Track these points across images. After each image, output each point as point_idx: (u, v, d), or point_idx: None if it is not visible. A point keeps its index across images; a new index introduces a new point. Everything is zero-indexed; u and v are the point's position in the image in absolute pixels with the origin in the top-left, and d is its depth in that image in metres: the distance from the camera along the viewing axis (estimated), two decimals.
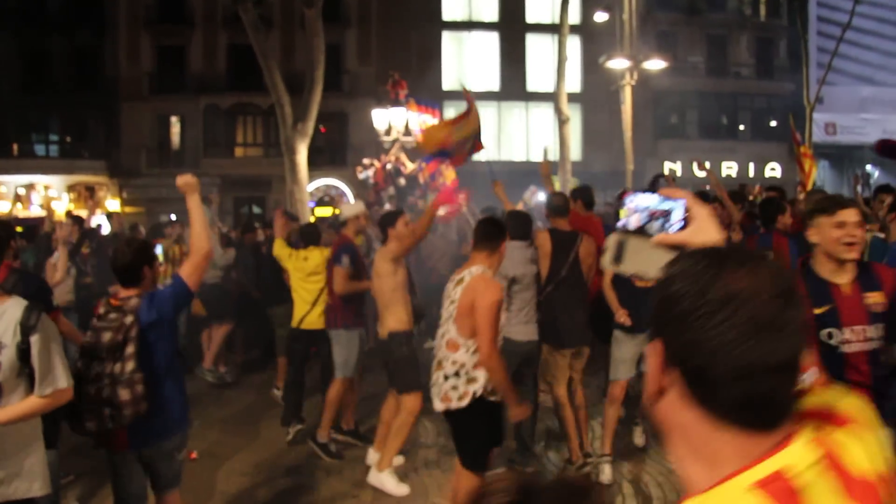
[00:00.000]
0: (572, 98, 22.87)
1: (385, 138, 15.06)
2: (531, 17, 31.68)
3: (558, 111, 19.41)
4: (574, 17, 26.98)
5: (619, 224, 1.55)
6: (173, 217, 13.39)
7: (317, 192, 27.11)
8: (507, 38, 31.37)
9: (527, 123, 31.46)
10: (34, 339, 2.94)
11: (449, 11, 31.57)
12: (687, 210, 1.47)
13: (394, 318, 5.67)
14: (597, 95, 28.03)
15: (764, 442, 0.99)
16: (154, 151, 30.00)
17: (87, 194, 28.20)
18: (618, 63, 16.49)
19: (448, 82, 31.19)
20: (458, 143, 9.30)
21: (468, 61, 31.58)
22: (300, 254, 6.99)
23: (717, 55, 32.34)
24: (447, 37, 31.53)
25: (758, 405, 0.98)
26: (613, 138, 23.80)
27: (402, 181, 14.01)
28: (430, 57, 30.62)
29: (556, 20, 28.24)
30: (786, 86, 31.80)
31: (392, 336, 5.68)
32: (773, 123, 32.84)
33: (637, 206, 1.54)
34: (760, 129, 32.86)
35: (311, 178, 17.93)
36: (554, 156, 28.13)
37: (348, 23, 30.33)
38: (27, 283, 4.41)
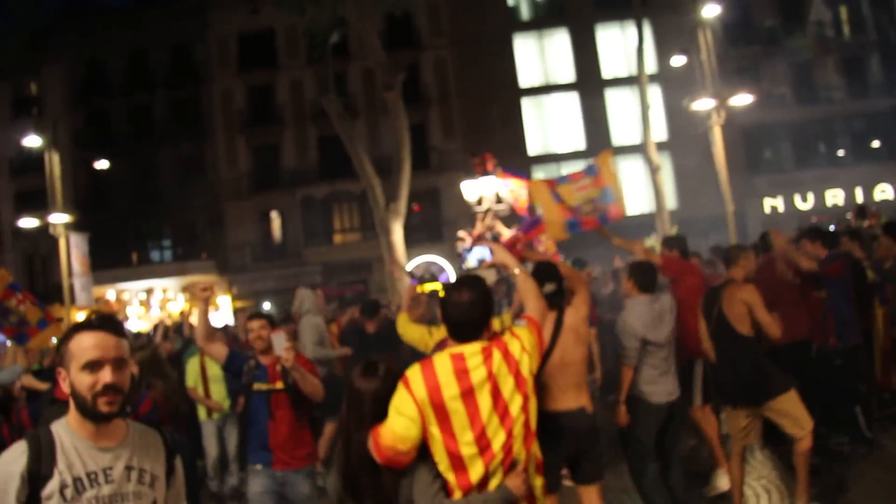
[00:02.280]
0: (661, 146, 22.69)
1: (478, 209, 15.24)
2: (607, 73, 31.75)
3: (648, 160, 19.22)
4: (651, 65, 26.92)
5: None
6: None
7: (417, 269, 27.54)
8: (587, 96, 31.47)
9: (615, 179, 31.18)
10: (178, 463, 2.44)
11: (526, 78, 32.05)
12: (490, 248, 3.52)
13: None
14: (685, 141, 27.66)
15: (464, 344, 2.82)
16: (258, 246, 31.37)
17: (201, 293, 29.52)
18: (702, 104, 16.29)
19: (533, 147, 31.47)
20: (579, 206, 8.91)
21: (550, 124, 31.82)
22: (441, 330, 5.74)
23: (804, 82, 31.36)
24: (527, 102, 31.92)
25: (456, 333, 2.87)
26: (708, 182, 23.32)
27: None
28: (513, 124, 31.04)
29: (633, 72, 28.32)
30: (884, 102, 30.53)
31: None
32: (876, 144, 31.44)
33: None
34: (863, 152, 31.46)
35: (409, 256, 18.27)
36: (650, 206, 27.83)
37: (430, 102, 31.24)
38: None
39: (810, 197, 30.30)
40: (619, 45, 31.53)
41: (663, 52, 27.88)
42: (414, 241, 24.24)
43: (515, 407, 2.75)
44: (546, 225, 9.60)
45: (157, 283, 30.41)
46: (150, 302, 30.01)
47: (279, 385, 4.79)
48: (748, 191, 29.06)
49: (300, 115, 31.62)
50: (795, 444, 5.18)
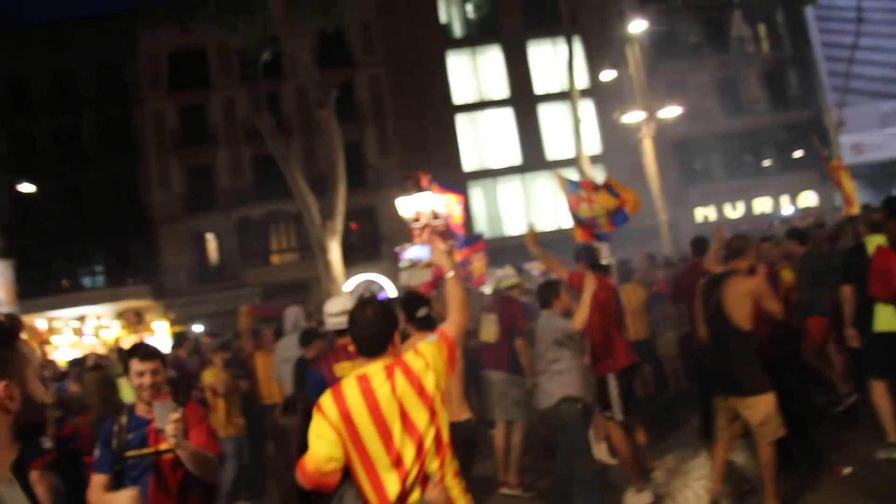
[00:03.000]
0: (594, 160, 23.07)
1: (414, 225, 15.24)
2: (540, 88, 32.23)
3: (580, 173, 19.55)
4: (582, 80, 27.49)
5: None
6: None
7: (357, 287, 27.37)
8: (521, 112, 31.89)
9: (553, 191, 31.66)
10: None
11: (460, 94, 32.31)
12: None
13: None
14: (617, 154, 28.24)
15: (369, 361, 2.94)
16: (194, 269, 30.74)
17: (136, 319, 28.81)
18: (633, 116, 16.69)
19: (468, 163, 31.69)
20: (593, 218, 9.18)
21: (485, 140, 32.13)
22: None
23: (730, 95, 32.45)
24: (462, 119, 32.17)
25: (361, 349, 3.00)
26: (641, 194, 23.76)
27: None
28: (448, 140, 31.25)
29: (565, 87, 28.83)
30: (803, 114, 31.77)
31: None
32: (799, 153, 32.64)
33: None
34: (786, 162, 32.65)
35: (349, 274, 18.15)
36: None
37: (364, 119, 31.22)
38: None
39: (740, 206, 31.26)
40: (550, 60, 32.07)
41: (594, 67, 28.49)
42: (352, 260, 24.11)
43: (422, 422, 2.83)
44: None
45: (90, 310, 29.44)
46: (83, 330, 29.03)
47: (164, 446, 3.64)
48: (681, 201, 29.80)
49: (234, 134, 31.21)
50: (759, 450, 5.31)
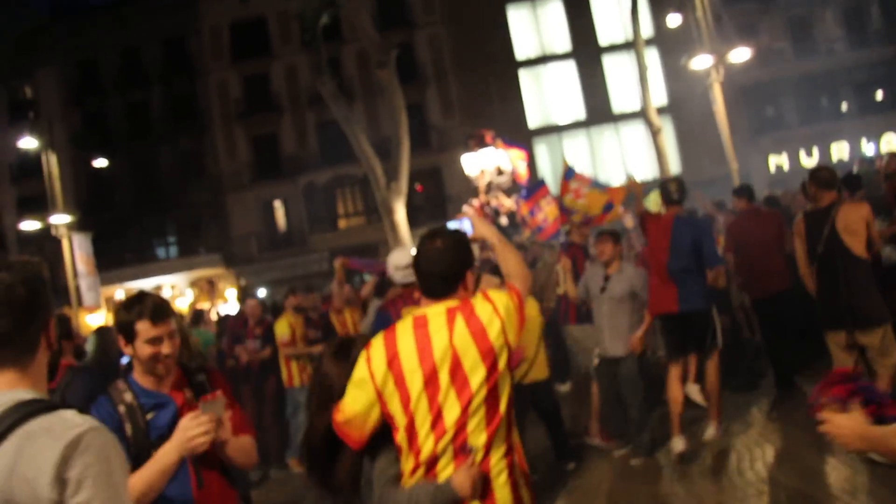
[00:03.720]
0: (661, 111, 22.43)
1: (479, 183, 15.11)
2: (603, 40, 31.41)
3: (649, 124, 18.99)
4: (647, 29, 26.59)
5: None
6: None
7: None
8: (584, 64, 31.16)
9: (620, 145, 30.97)
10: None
11: (521, 50, 31.74)
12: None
13: None
14: (686, 103, 27.40)
15: (432, 303, 2.56)
16: (263, 236, 31.32)
17: (209, 287, 29.60)
18: (701, 61, 15.98)
19: (533, 120, 31.21)
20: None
21: (549, 95, 31.55)
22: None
23: (803, 36, 30.97)
24: (524, 74, 31.63)
25: (425, 287, 2.59)
26: (710, 143, 23.07)
27: (505, 220, 13.94)
28: (511, 97, 30.78)
29: (629, 37, 27.99)
30: (886, 51, 30.10)
31: None
32: (880, 94, 31.07)
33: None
34: (867, 104, 31.11)
35: (414, 235, 18.17)
36: (653, 171, 27.60)
37: (426, 80, 30.99)
38: (85, 381, 4.00)
39: (815, 152, 30.00)
40: (613, 10, 31.13)
41: (658, 14, 27.49)
42: (418, 221, 24.13)
43: (476, 379, 2.40)
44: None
45: (165, 280, 30.40)
46: None
47: None
48: (752, 150, 28.76)
49: (297, 101, 31.44)
50: (880, 381, 5.14)
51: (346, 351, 2.66)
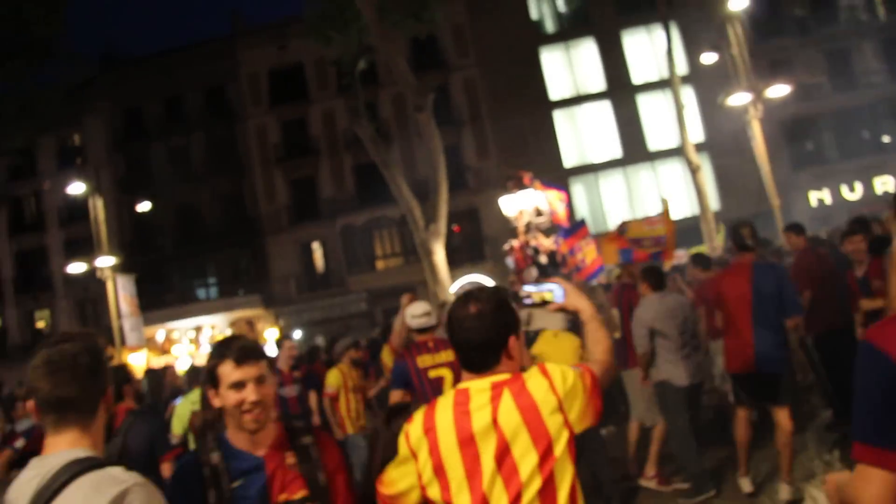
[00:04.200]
0: (698, 147, 22.29)
1: (517, 224, 15.11)
2: (637, 78, 31.46)
3: (687, 162, 18.89)
4: (682, 66, 26.61)
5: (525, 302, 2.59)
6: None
7: (461, 290, 27.45)
8: (619, 104, 31.20)
9: (657, 183, 30.82)
10: None
11: (556, 90, 31.91)
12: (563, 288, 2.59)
13: None
14: (723, 140, 27.27)
15: (475, 377, 2.22)
16: (302, 278, 31.61)
17: (248, 327, 29.87)
18: (739, 98, 15.95)
19: (569, 159, 31.24)
20: (640, 239, 9.75)
21: (584, 134, 31.60)
22: None
23: (842, 69, 30.66)
24: (559, 115, 31.75)
25: (463, 360, 2.26)
26: (749, 179, 22.90)
27: (544, 259, 13.89)
28: (546, 137, 30.90)
29: (663, 75, 28.05)
30: None
31: None
32: None
33: (527, 293, 2.60)
34: None
35: (453, 277, 18.20)
36: (692, 210, 27.35)
37: (461, 122, 31.29)
38: (144, 424, 4.35)
39: (858, 187, 29.53)
40: (646, 49, 31.25)
41: (692, 52, 27.49)
42: (456, 262, 24.18)
43: (527, 467, 2.07)
44: (602, 250, 10.22)
45: (205, 321, 30.79)
46: (199, 339, 30.40)
47: (299, 495, 2.39)
48: (792, 185, 28.41)
49: (334, 145, 31.95)
50: None
51: (398, 413, 2.61)
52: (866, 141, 30.91)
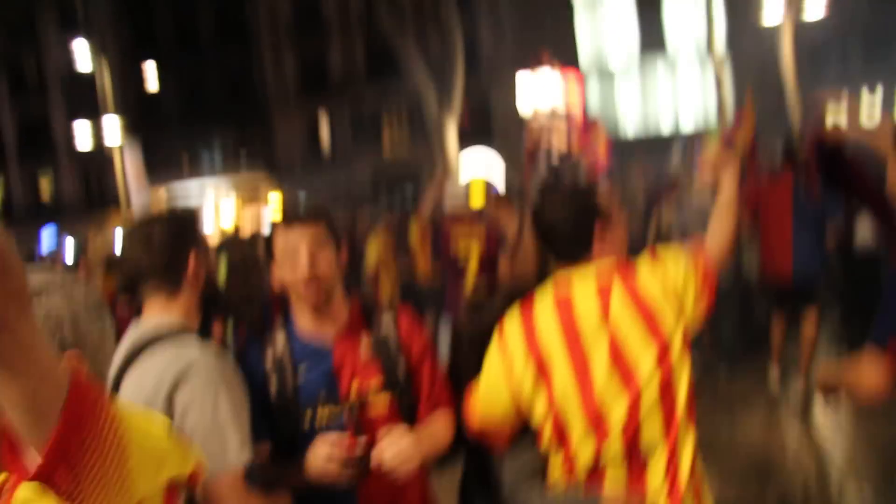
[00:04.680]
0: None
1: (532, 125, 14.82)
2: None
3: (711, 57, 18.25)
4: None
5: None
6: None
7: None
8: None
9: (674, 89, 30.15)
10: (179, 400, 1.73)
11: None
12: None
13: None
14: (744, 48, 26.50)
15: (571, 266, 2.01)
16: (307, 152, 31.50)
17: (252, 191, 30.01)
18: (773, 14, 15.31)
19: (585, 51, 30.47)
20: None
21: (604, 26, 30.68)
22: None
23: None
24: (580, 5, 30.78)
25: (554, 251, 2.06)
26: (767, 94, 22.36)
27: (556, 160, 13.70)
28: (564, 27, 30.01)
29: None
30: None
31: None
32: None
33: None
34: None
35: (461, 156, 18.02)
36: (705, 118, 26.87)
37: (479, 6, 30.31)
38: None
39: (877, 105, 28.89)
40: None
41: None
42: (464, 143, 23.88)
43: (645, 367, 1.85)
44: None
45: (210, 182, 30.93)
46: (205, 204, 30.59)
47: (373, 383, 2.07)
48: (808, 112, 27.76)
49: (347, 20, 31.02)
50: None
51: (479, 312, 2.25)
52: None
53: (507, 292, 2.22)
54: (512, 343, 1.95)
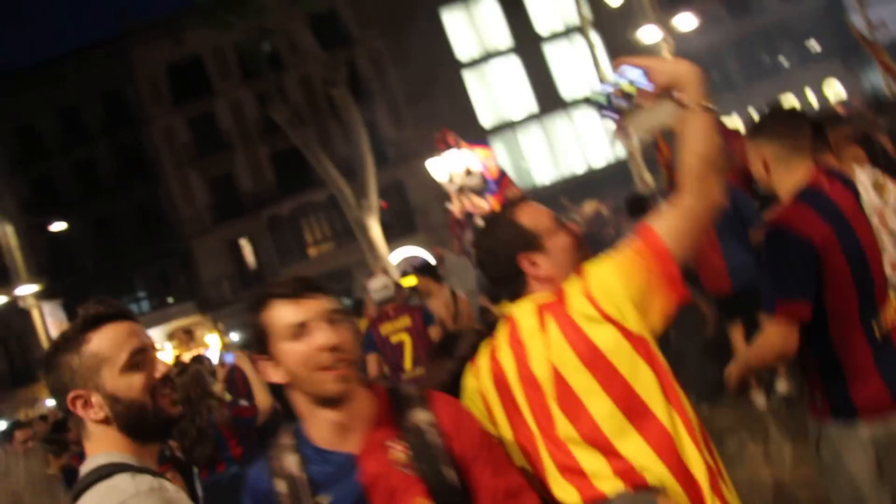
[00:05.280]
0: None
1: (450, 187, 14.88)
2: (542, 30, 31.52)
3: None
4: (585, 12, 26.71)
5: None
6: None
7: (400, 265, 27.23)
8: (528, 57, 31.22)
9: (575, 132, 31.03)
10: None
11: (463, 51, 31.72)
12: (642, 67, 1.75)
13: None
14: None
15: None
16: (234, 277, 30.77)
17: (187, 337, 28.97)
18: (648, 33, 16.03)
19: (485, 119, 31.14)
20: None
21: (497, 92, 31.53)
22: None
23: None
24: (469, 75, 31.60)
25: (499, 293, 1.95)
26: None
27: (480, 222, 13.72)
28: (460, 100, 30.72)
29: (568, 24, 28.12)
30: (817, 2, 30.71)
31: None
32: (815, 44, 31.68)
33: (606, 96, 1.78)
34: (805, 55, 31.71)
35: (389, 251, 17.92)
36: (618, 154, 27.63)
37: (373, 95, 30.75)
38: None
39: (764, 108, 30.36)
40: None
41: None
42: (389, 237, 23.84)
43: (596, 402, 1.69)
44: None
45: None
46: None
47: None
48: None
49: (247, 136, 30.99)
50: None
51: (451, 346, 2.04)
52: (766, 63, 31.88)
53: (468, 340, 1.99)
54: (484, 381, 1.82)
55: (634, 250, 1.73)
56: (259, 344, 1.64)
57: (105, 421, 1.56)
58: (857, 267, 2.24)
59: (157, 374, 1.58)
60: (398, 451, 1.60)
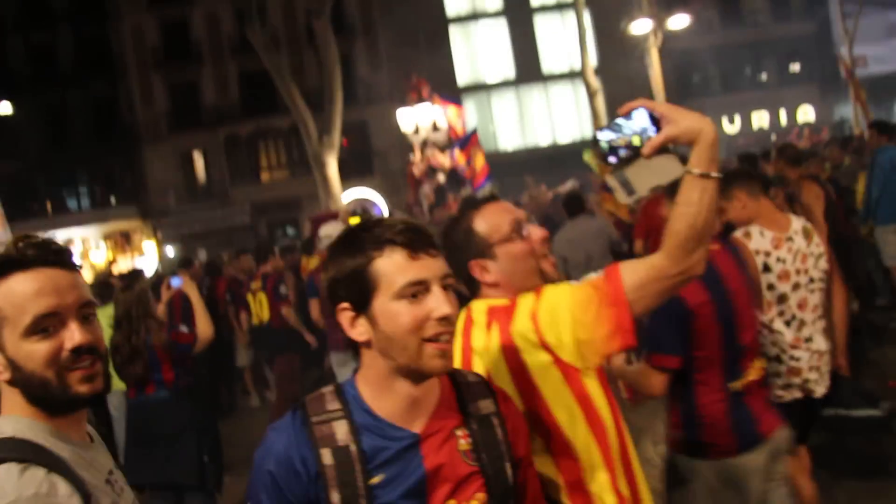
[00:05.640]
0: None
1: (414, 138, 14.75)
2: (536, 0, 31.25)
3: (586, 84, 18.81)
4: None
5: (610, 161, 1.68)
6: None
7: (350, 205, 26.99)
8: (516, 23, 30.93)
9: (548, 106, 30.98)
10: None
11: (453, 6, 31.24)
12: (651, 112, 1.62)
13: None
14: (616, 67, 27.49)
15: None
16: (182, 188, 30.10)
17: (123, 240, 28.40)
18: (641, 25, 15.99)
19: (462, 77, 30.84)
20: None
21: (479, 52, 31.22)
22: None
23: (731, 7, 31.58)
24: (455, 31, 31.18)
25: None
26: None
27: (442, 177, 13.67)
28: (441, 54, 30.31)
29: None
30: (806, 27, 30.97)
31: None
32: (797, 67, 32.04)
33: (608, 143, 1.67)
34: (786, 75, 32.07)
35: (342, 189, 17.74)
36: (582, 133, 27.74)
37: (354, 32, 30.12)
38: None
39: (737, 119, 30.76)
40: None
41: None
42: (345, 176, 23.60)
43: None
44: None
45: (76, 233, 28.94)
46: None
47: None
48: None
49: (219, 50, 30.07)
50: None
51: None
52: (747, 77, 32.18)
53: None
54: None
55: (594, 286, 1.72)
56: (353, 292, 1.38)
57: (11, 383, 1.34)
58: (726, 330, 2.57)
59: (69, 345, 1.33)
60: (463, 438, 1.45)
